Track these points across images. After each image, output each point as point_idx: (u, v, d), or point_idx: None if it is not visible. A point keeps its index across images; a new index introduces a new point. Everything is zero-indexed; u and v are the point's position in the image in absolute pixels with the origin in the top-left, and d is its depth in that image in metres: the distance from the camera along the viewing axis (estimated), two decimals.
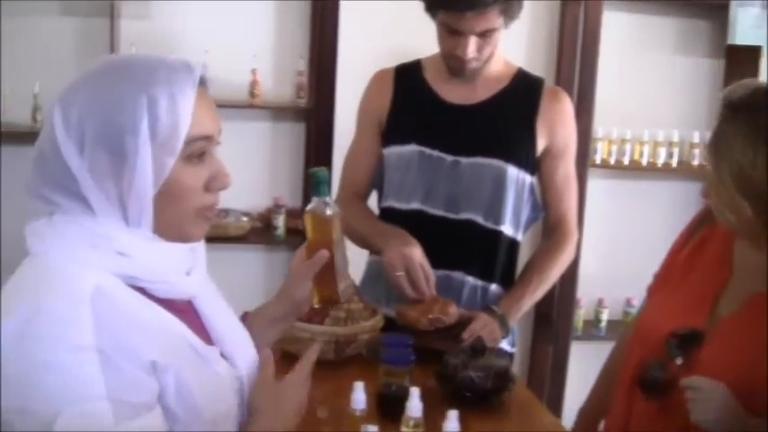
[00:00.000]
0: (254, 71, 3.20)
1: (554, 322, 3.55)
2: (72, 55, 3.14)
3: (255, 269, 3.50)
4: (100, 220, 1.14)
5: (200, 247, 1.29)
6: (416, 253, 2.02)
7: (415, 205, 2.19)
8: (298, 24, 3.34)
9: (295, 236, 3.31)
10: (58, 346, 1.04)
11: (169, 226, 1.18)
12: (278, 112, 3.40)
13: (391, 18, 3.22)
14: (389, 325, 2.09)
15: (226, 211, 3.35)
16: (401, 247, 2.03)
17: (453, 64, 2.12)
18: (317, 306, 1.50)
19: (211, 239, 3.09)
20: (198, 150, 1.17)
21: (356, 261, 2.33)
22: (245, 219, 3.32)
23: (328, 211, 1.40)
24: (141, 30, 3.16)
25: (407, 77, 2.26)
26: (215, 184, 1.21)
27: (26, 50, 3.12)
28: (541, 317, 3.56)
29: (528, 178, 2.17)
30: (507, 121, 2.17)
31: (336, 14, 3.20)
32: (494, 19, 2.01)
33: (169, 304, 1.20)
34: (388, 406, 1.61)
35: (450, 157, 2.16)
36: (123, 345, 1.08)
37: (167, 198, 1.16)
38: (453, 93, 2.19)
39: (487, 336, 1.98)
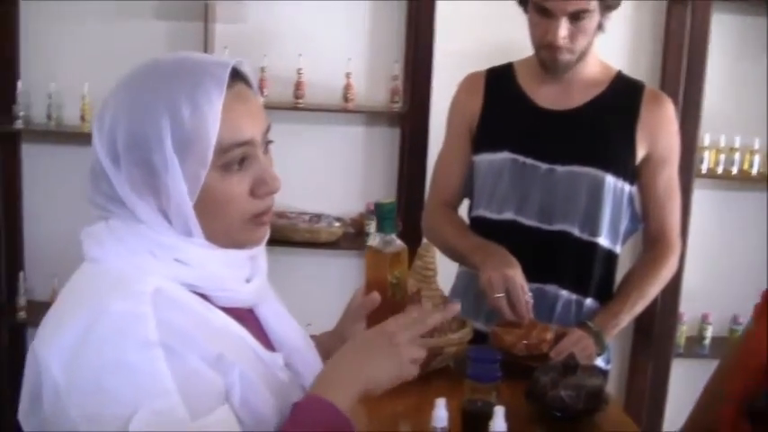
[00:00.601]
0: (348, 75, 3.18)
1: (655, 338, 3.40)
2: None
3: (347, 275, 3.47)
4: (154, 228, 1.10)
5: (260, 253, 1.25)
6: (518, 275, 1.93)
7: (507, 215, 2.11)
8: (393, 28, 3.31)
9: None
10: (124, 344, 1.01)
11: (219, 234, 1.13)
12: (372, 116, 3.38)
13: (488, 21, 3.14)
14: (478, 338, 2.03)
15: (318, 217, 3.34)
16: (503, 268, 1.93)
17: (545, 56, 2.02)
18: None
19: (303, 245, 3.18)
20: (236, 158, 1.10)
21: (446, 271, 2.28)
22: (337, 224, 3.31)
23: (387, 249, 1.33)
24: (235, 33, 3.20)
25: (499, 81, 2.18)
26: (262, 189, 1.13)
27: (120, 54, 3.18)
28: (641, 332, 3.42)
29: (627, 187, 2.07)
30: (605, 127, 2.07)
31: (432, 17, 3.16)
32: None
33: (230, 312, 1.15)
34: (472, 423, 1.54)
35: (544, 165, 2.07)
36: (188, 340, 1.04)
37: (210, 208, 1.10)
38: (547, 97, 2.10)
39: (581, 352, 1.89)
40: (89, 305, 1.04)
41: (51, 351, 1.03)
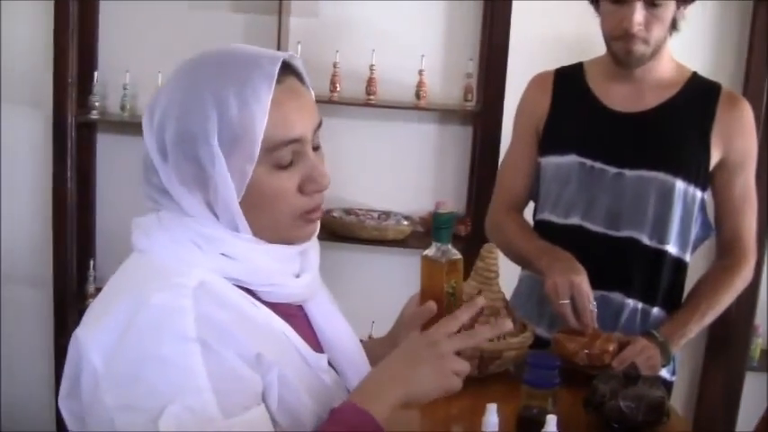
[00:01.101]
0: (421, 72, 3.15)
1: (728, 350, 3.29)
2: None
3: (414, 274, 3.38)
4: (201, 221, 1.10)
5: (312, 248, 1.24)
6: (585, 283, 1.89)
7: (573, 220, 2.07)
8: (468, 25, 3.26)
9: (455, 242, 3.21)
10: (161, 337, 1.01)
11: (266, 230, 1.13)
12: (445, 114, 3.34)
13: (564, 18, 3.07)
14: (539, 344, 1.99)
15: (387, 214, 3.33)
16: (569, 274, 1.89)
17: (618, 48, 1.96)
18: None
19: (370, 242, 3.16)
20: (286, 156, 1.10)
21: (508, 274, 2.25)
22: (405, 222, 3.29)
23: (444, 259, 1.32)
24: (308, 27, 3.20)
25: (568, 81, 2.13)
26: (311, 186, 1.13)
27: (195, 45, 3.21)
28: (714, 343, 3.30)
29: (699, 194, 2.00)
30: (678, 130, 2.00)
31: (508, 15, 3.10)
32: None
33: (277, 308, 1.15)
34: (526, 430, 1.51)
35: (613, 170, 2.02)
36: (226, 337, 1.04)
37: (258, 205, 1.10)
38: (618, 99, 2.05)
39: (644, 363, 1.83)
40: (131, 295, 1.05)
41: (93, 338, 1.04)
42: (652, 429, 1.59)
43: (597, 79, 2.09)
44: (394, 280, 3.41)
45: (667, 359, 1.93)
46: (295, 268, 1.19)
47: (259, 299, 1.13)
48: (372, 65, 3.15)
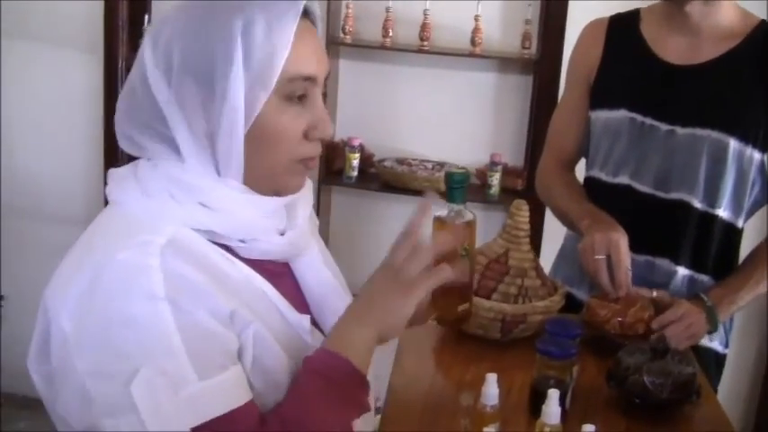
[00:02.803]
0: (477, 18, 3.01)
1: None
2: None
3: None
4: (187, 166, 1.05)
5: (301, 204, 1.18)
6: (624, 242, 1.76)
7: (622, 179, 1.93)
8: None
9: (512, 195, 3.11)
10: (129, 297, 0.96)
11: (261, 174, 1.08)
12: (503, 62, 3.20)
13: None
14: (576, 307, 1.88)
15: (441, 165, 3.23)
16: (608, 231, 1.77)
17: None
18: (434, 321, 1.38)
19: (422, 193, 3.07)
20: (298, 91, 1.06)
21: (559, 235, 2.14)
22: None
23: (457, 221, 1.27)
24: None
25: (622, 30, 1.97)
26: (315, 132, 1.09)
27: None
28: None
29: (757, 155, 1.83)
30: (737, 84, 1.83)
31: None
32: None
33: (260, 266, 1.10)
34: (538, 402, 1.41)
35: (664, 126, 1.87)
36: (198, 295, 0.99)
37: (260, 141, 1.06)
38: (673, 50, 1.88)
39: (685, 330, 1.71)
40: (98, 254, 1.01)
41: (61, 299, 1.00)
42: (678, 408, 1.47)
43: (652, 28, 1.94)
44: None
45: (714, 326, 1.80)
46: (280, 224, 1.14)
47: (237, 256, 1.08)
48: (426, 9, 3.03)
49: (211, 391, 0.97)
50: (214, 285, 1.01)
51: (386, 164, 3.20)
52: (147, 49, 1.05)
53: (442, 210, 1.31)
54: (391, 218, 3.36)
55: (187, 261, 1.00)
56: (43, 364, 1.04)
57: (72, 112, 3.34)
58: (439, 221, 1.30)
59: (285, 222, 1.15)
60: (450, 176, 1.31)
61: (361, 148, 3.23)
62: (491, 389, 1.24)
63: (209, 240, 1.06)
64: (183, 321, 0.97)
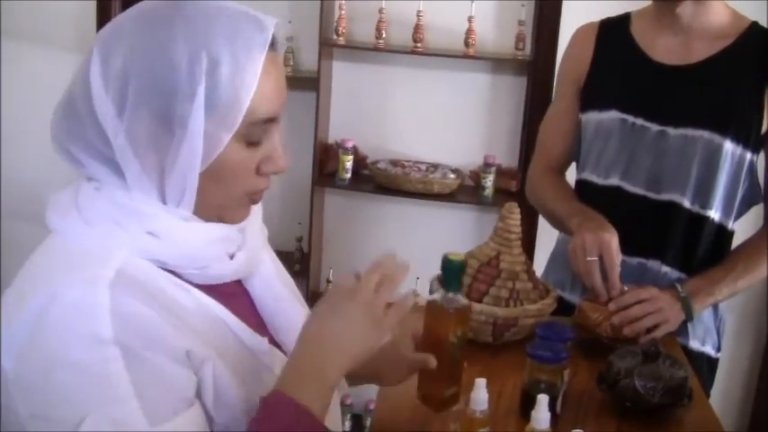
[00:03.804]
0: (470, 18, 3.00)
1: None
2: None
3: (462, 228, 3.35)
4: (132, 193, 0.99)
5: (251, 222, 1.13)
6: (615, 242, 1.74)
7: (613, 180, 1.92)
8: None
9: (505, 197, 3.11)
10: (75, 340, 0.90)
11: (210, 207, 1.03)
12: (497, 63, 3.19)
13: None
14: (568, 310, 1.87)
15: (434, 167, 3.22)
16: (599, 231, 1.75)
17: None
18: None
19: (416, 195, 3.06)
20: (257, 134, 1.02)
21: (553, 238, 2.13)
22: (452, 176, 3.17)
23: (451, 306, 1.28)
24: None
25: (612, 33, 1.97)
26: (268, 167, 1.05)
27: None
28: None
29: (748, 155, 1.82)
30: (729, 85, 1.82)
31: None
32: None
33: (213, 288, 1.05)
34: (529, 407, 1.40)
35: (655, 127, 1.86)
36: (151, 335, 0.93)
37: (214, 178, 1.00)
38: (664, 51, 1.88)
39: (654, 316, 1.72)
40: (42, 289, 0.94)
41: (2, 336, 0.94)
42: (669, 412, 1.46)
43: (643, 30, 1.93)
44: (440, 235, 3.33)
45: (690, 316, 1.79)
46: (231, 247, 1.09)
47: (189, 281, 1.03)
48: (420, 11, 3.02)
49: None
50: (168, 321, 0.96)
51: (379, 165, 3.19)
52: (94, 66, 0.97)
53: (436, 293, 1.33)
54: (385, 219, 3.36)
55: (137, 296, 0.95)
56: None
57: None
58: (433, 306, 1.31)
59: (237, 242, 1.10)
60: (447, 262, 1.31)
61: (355, 150, 3.23)
62: (480, 394, 1.23)
63: (160, 267, 1.01)
64: (133, 366, 0.91)
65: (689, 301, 1.78)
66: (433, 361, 1.23)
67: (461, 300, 1.31)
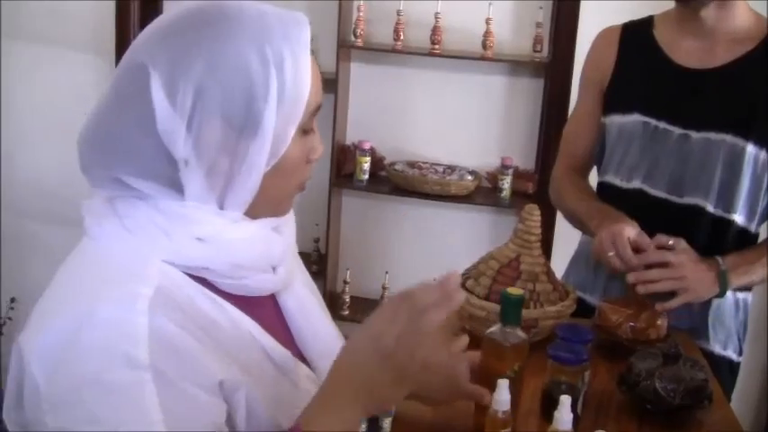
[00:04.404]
0: (488, 21, 3.00)
1: None
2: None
3: (479, 230, 3.35)
4: (186, 202, 0.99)
5: (287, 226, 1.14)
6: (626, 229, 1.76)
7: (635, 184, 1.92)
8: None
9: (523, 199, 3.12)
10: (110, 360, 0.90)
11: (267, 203, 1.05)
12: (514, 65, 3.19)
13: None
14: (583, 312, 1.87)
15: (452, 168, 3.22)
16: (612, 226, 1.78)
17: None
18: None
19: (433, 197, 3.08)
20: (311, 123, 1.05)
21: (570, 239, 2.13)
22: (469, 177, 3.18)
23: (508, 341, 1.28)
24: None
25: (636, 36, 1.97)
26: (314, 155, 1.08)
27: None
28: None
29: None
30: (752, 89, 1.82)
31: None
32: None
33: (244, 299, 1.05)
34: (551, 407, 1.40)
35: (678, 131, 1.86)
36: (185, 362, 0.93)
37: (277, 174, 1.02)
38: (687, 54, 1.88)
39: (672, 284, 1.72)
40: (78, 303, 0.94)
41: (35, 349, 0.94)
42: (690, 414, 1.46)
43: (666, 33, 1.93)
44: (457, 236, 3.34)
45: (723, 291, 1.79)
46: (276, 256, 1.09)
47: (221, 294, 1.03)
48: (438, 12, 3.02)
49: None
50: (204, 345, 0.96)
51: (396, 167, 3.20)
52: (157, 93, 0.95)
53: (494, 327, 1.32)
54: (402, 221, 3.36)
55: (175, 319, 0.94)
56: (18, 416, 0.97)
57: (80, 115, 3.34)
58: (490, 340, 1.31)
59: (279, 253, 1.10)
60: (507, 297, 1.31)
61: (372, 152, 3.24)
62: (503, 395, 1.23)
63: (196, 278, 1.01)
64: (165, 392, 0.91)
65: (726, 275, 1.77)
66: (488, 398, 1.21)
67: (519, 334, 1.31)
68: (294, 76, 0.98)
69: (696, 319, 1.91)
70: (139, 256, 0.97)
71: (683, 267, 1.74)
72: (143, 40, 1.00)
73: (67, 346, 0.91)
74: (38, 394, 0.92)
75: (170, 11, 1.03)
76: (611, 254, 1.76)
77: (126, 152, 0.98)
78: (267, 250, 1.07)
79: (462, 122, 3.27)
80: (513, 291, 1.32)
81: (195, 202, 0.99)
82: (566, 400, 1.21)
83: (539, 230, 1.73)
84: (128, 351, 0.90)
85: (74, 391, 0.90)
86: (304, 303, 1.17)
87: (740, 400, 2.97)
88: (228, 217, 1.01)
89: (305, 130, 1.04)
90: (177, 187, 0.99)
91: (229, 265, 1.01)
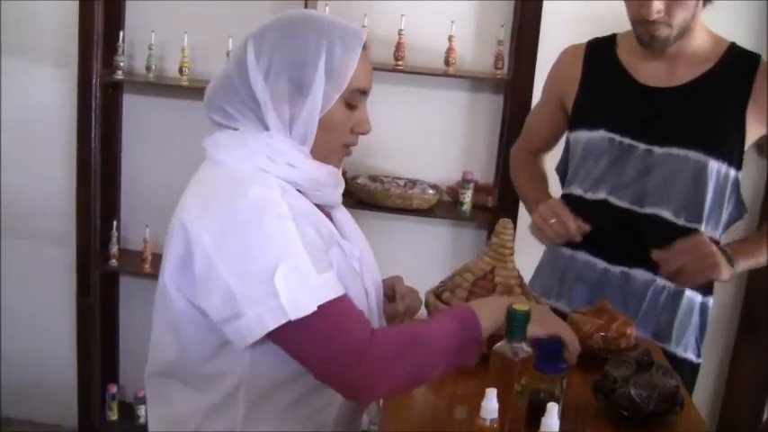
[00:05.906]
0: (450, 38, 3.05)
1: (759, 333, 3.18)
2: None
3: (440, 243, 3.39)
4: (272, 135, 1.42)
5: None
6: (563, 204, 1.98)
7: (600, 195, 2.00)
8: None
9: (483, 213, 3.18)
10: (264, 218, 1.31)
11: (319, 151, 1.46)
12: (475, 82, 3.24)
13: None
14: None
15: (413, 182, 3.26)
16: (550, 202, 1.98)
17: (642, 33, 1.89)
18: None
19: (395, 210, 3.10)
20: (354, 100, 1.46)
21: (533, 247, 2.19)
22: (431, 191, 3.22)
23: (517, 357, 1.34)
24: None
25: (599, 55, 2.05)
26: (359, 128, 1.50)
27: (219, 7, 3.18)
28: (747, 325, 3.20)
29: (732, 172, 1.91)
30: (712, 106, 1.91)
31: None
32: None
33: (321, 208, 1.50)
34: (532, 414, 1.45)
35: (642, 146, 1.94)
36: (306, 218, 1.39)
37: (325, 128, 1.44)
38: (650, 73, 1.96)
39: (702, 260, 1.83)
40: (229, 191, 1.36)
41: (201, 224, 1.33)
42: (663, 419, 1.52)
43: (629, 52, 2.01)
44: (419, 249, 3.37)
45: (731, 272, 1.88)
46: (334, 180, 1.54)
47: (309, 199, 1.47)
48: (401, 29, 3.06)
49: (327, 281, 1.32)
50: (308, 215, 1.41)
51: (359, 181, 3.23)
52: (249, 51, 1.42)
53: (500, 343, 1.38)
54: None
55: (293, 197, 1.40)
56: (182, 276, 1.36)
57: (45, 128, 3.33)
58: (498, 356, 1.36)
59: (337, 178, 1.56)
60: (513, 313, 1.37)
61: None
62: (491, 403, 1.27)
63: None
64: (302, 233, 1.33)
65: (732, 258, 1.88)
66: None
67: (525, 349, 1.35)
68: (341, 57, 1.40)
69: (662, 322, 1.98)
70: (259, 171, 1.40)
71: (706, 244, 1.83)
72: (255, 27, 1.46)
73: (229, 215, 1.32)
74: (209, 254, 1.31)
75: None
76: (552, 221, 1.89)
77: (233, 92, 1.44)
78: (331, 172, 1.51)
79: (424, 137, 3.31)
80: (520, 307, 1.37)
81: (279, 136, 1.42)
82: (552, 407, 1.26)
83: (512, 244, 1.78)
84: (275, 209, 1.33)
85: (242, 245, 1.30)
86: (349, 221, 1.63)
87: (695, 402, 3.07)
88: (304, 152, 1.44)
89: (350, 104, 1.45)
90: (263, 123, 1.43)
91: (310, 181, 1.46)
